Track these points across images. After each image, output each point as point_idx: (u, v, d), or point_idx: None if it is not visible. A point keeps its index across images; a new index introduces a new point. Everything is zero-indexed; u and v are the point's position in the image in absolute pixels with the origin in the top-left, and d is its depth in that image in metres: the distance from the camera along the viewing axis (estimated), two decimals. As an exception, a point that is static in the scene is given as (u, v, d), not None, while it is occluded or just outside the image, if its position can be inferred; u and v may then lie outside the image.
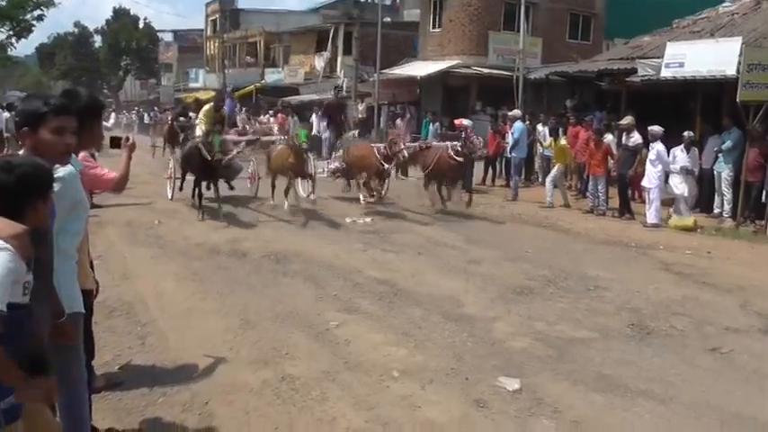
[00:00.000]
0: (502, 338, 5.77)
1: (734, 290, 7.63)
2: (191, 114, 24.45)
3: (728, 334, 6.07)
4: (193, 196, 11.73)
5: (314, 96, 32.18)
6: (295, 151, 11.10)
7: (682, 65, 13.29)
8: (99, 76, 67.10)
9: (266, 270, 7.86)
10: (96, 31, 68.24)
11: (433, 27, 27.57)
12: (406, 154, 11.62)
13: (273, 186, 12.34)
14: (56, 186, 2.81)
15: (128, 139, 4.03)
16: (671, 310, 6.71)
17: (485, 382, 4.81)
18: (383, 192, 12.22)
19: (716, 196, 12.53)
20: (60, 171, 2.97)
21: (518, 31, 22.15)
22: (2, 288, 2.23)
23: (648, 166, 12.08)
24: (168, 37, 61.67)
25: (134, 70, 65.83)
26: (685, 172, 12.05)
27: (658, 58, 14.45)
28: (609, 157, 12.93)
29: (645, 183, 12.21)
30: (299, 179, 12.05)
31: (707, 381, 4.97)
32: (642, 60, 15.29)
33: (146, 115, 43.38)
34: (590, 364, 5.22)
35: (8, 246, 2.30)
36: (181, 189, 12.66)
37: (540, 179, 16.84)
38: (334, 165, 13.81)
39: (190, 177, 12.11)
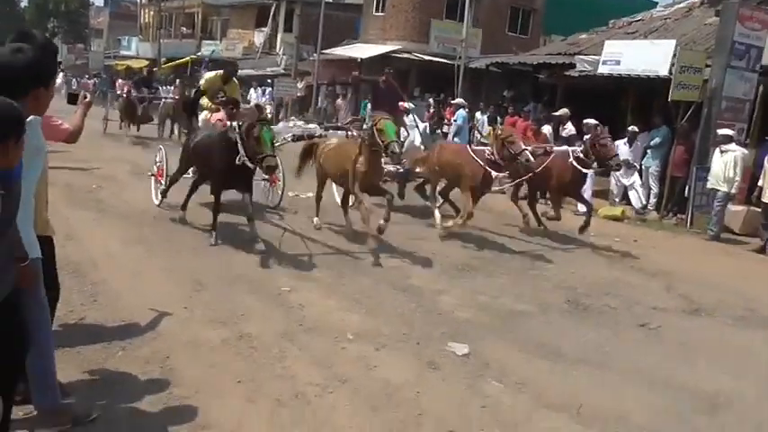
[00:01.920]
0: (448, 309, 6.03)
1: (659, 274, 8.13)
2: (157, 85, 22.09)
3: (656, 312, 6.52)
4: (216, 213, 7.73)
5: (252, 72, 31.81)
6: (376, 155, 7.66)
7: (618, 62, 13.82)
8: (23, 38, 64.05)
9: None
10: (23, -11, 65.20)
11: (377, 10, 27.71)
12: (531, 158, 8.24)
13: (320, 198, 9.06)
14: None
15: (85, 96, 4.14)
16: (603, 290, 7.12)
17: (435, 347, 5.05)
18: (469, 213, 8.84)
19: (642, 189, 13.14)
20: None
21: (460, 20, 22.56)
22: None
23: (583, 157, 12.56)
24: (99, 2, 59.59)
25: (62, 34, 63.15)
26: (627, 165, 12.62)
27: (595, 55, 15.01)
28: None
29: (578, 173, 12.70)
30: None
31: (638, 352, 5.37)
32: (581, 56, 15.84)
33: (74, 81, 41.93)
34: (531, 334, 5.53)
35: None
36: (164, 195, 8.89)
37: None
38: (389, 167, 9.94)
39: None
